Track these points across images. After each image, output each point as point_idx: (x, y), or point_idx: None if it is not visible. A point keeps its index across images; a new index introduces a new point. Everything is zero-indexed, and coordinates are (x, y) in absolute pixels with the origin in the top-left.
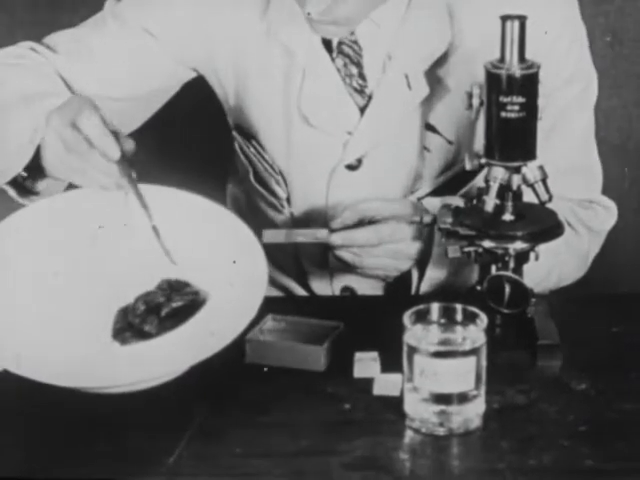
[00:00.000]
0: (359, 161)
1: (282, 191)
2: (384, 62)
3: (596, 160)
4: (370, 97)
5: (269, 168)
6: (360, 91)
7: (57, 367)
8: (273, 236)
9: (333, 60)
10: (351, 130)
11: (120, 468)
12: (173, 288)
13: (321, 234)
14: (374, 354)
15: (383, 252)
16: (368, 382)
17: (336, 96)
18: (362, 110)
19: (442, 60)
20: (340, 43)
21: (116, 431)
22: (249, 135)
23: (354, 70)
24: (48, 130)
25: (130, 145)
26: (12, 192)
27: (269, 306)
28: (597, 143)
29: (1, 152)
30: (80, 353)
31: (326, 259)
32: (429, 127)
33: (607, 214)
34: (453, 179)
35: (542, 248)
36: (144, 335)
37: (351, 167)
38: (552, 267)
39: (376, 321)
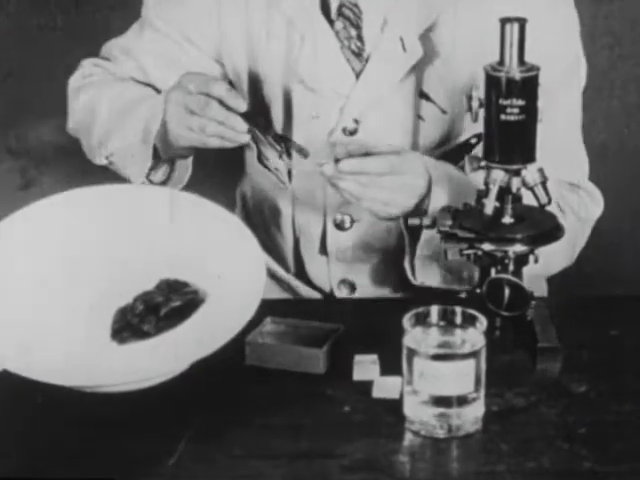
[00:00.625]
0: (355, 130)
1: (284, 164)
2: (381, 26)
3: (582, 147)
4: (367, 61)
5: (273, 145)
6: (358, 54)
7: (56, 366)
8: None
9: (332, 25)
10: (347, 94)
11: (120, 469)
12: (172, 288)
13: (327, 167)
14: (373, 357)
15: (389, 183)
16: (367, 385)
17: (333, 60)
18: (358, 75)
19: (436, 26)
20: (341, 6)
21: (116, 432)
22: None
23: (353, 32)
24: (168, 104)
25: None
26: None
27: (269, 308)
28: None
29: (124, 161)
30: (78, 353)
31: (324, 245)
32: (423, 95)
33: (592, 203)
34: (450, 152)
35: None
36: (143, 335)
37: (347, 132)
38: (539, 252)
39: (376, 324)
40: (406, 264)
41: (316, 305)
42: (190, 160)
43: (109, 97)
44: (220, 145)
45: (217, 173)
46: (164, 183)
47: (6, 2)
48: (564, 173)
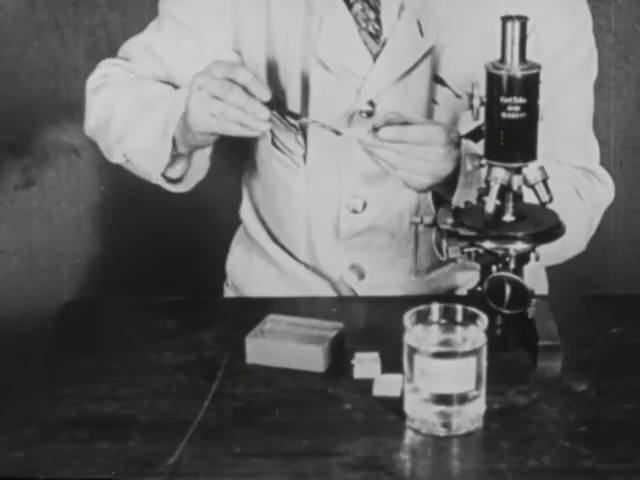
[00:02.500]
0: (371, 112)
1: (300, 147)
2: (398, 9)
3: (592, 135)
4: (384, 44)
5: (289, 126)
6: (375, 36)
7: None
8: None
9: (350, 7)
10: (364, 76)
11: (121, 468)
12: None
13: (364, 135)
14: (374, 355)
15: (425, 153)
16: (368, 383)
17: (351, 42)
18: (375, 57)
19: (453, 13)
20: None
21: (116, 431)
22: (273, 103)
23: (371, 15)
24: (193, 87)
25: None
26: (165, 184)
27: (269, 307)
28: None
29: (141, 158)
30: None
31: (337, 228)
32: (438, 80)
33: (604, 189)
34: (468, 135)
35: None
36: None
37: (364, 114)
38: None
39: (376, 321)
40: (433, 240)
41: (317, 303)
42: (208, 154)
43: (128, 94)
44: (240, 132)
45: (222, 167)
46: (180, 180)
47: (7, 0)
48: (579, 160)
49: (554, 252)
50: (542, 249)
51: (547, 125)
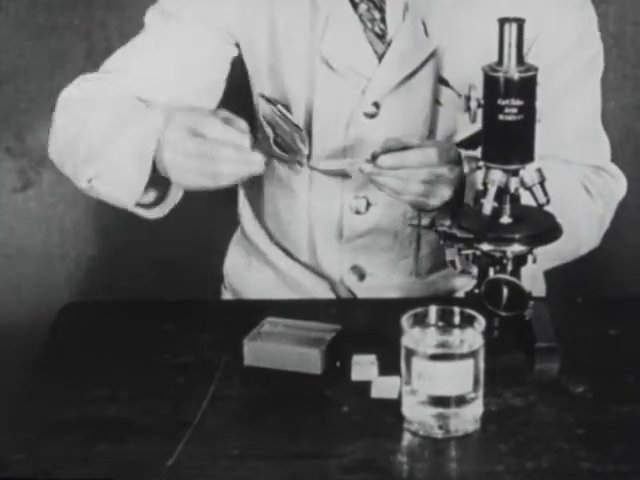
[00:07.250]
0: (375, 114)
1: (304, 148)
2: (403, 10)
3: (602, 130)
4: (389, 44)
5: (293, 127)
6: (381, 36)
7: None
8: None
9: (355, 7)
10: (370, 76)
11: (119, 470)
12: None
13: (365, 164)
14: (372, 357)
15: (427, 175)
16: (366, 385)
17: (356, 42)
18: (381, 58)
19: (458, 14)
20: None
21: (115, 433)
22: (275, 101)
23: (377, 15)
24: (166, 148)
25: (244, 124)
26: (142, 211)
27: (267, 309)
28: None
29: (115, 186)
30: None
31: (339, 229)
32: (442, 81)
33: (616, 184)
34: (465, 141)
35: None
36: None
37: (368, 116)
38: (569, 232)
39: (374, 324)
40: (447, 259)
41: (314, 305)
42: None
43: (99, 113)
44: (235, 182)
45: None
46: (155, 204)
47: (5, 2)
48: (589, 157)
49: (568, 250)
50: (555, 247)
51: (556, 125)
